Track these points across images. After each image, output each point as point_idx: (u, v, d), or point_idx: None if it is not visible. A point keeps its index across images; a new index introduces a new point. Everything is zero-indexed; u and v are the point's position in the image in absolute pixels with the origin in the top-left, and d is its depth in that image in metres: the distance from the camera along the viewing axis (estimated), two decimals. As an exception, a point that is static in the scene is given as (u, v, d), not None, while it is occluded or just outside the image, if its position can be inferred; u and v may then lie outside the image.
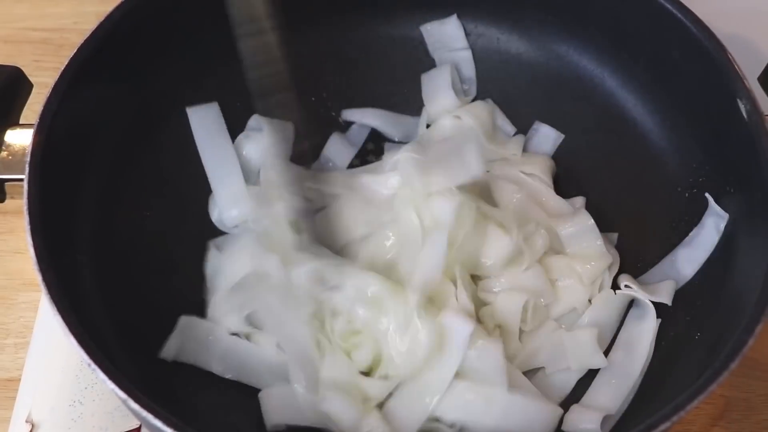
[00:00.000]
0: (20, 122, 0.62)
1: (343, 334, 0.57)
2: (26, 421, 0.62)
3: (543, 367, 0.59)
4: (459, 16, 0.72)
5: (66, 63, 0.57)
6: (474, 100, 0.72)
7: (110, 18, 0.59)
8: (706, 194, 0.61)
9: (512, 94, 0.72)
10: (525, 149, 0.70)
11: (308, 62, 0.70)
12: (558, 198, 0.67)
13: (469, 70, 0.72)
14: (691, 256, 0.61)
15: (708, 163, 0.62)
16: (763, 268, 0.51)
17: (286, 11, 0.63)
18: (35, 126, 0.54)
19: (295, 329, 0.57)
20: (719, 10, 0.63)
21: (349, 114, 0.72)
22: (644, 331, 0.59)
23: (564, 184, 0.69)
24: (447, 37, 0.72)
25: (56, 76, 0.56)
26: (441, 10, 0.72)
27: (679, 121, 0.64)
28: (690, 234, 0.61)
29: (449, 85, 0.70)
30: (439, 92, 0.71)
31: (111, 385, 0.46)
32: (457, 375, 0.54)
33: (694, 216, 0.62)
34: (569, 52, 0.70)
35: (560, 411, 0.56)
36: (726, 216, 0.59)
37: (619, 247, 0.65)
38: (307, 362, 0.56)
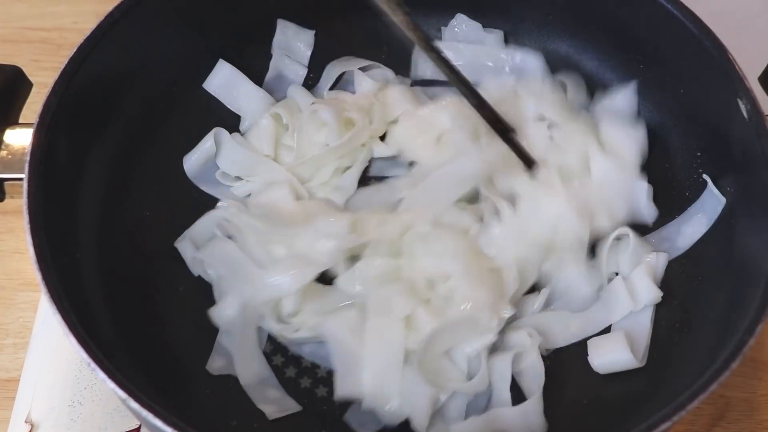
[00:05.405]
0: (20, 121, 0.62)
1: None
2: (26, 422, 0.62)
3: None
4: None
5: (65, 62, 0.57)
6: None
7: (109, 17, 0.59)
8: (705, 175, 0.61)
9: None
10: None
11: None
12: None
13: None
14: (686, 230, 0.62)
15: (708, 163, 0.62)
16: (763, 268, 0.51)
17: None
18: (35, 125, 0.54)
19: None
20: (719, 10, 0.63)
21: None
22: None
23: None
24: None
25: (56, 75, 0.56)
26: (442, 11, 0.72)
27: (679, 121, 0.64)
28: (688, 209, 0.62)
29: (250, 82, 0.68)
30: (246, 93, 0.69)
31: (111, 385, 0.46)
32: None
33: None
34: (569, 52, 0.70)
35: None
36: (723, 200, 0.59)
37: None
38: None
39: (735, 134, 0.58)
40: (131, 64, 0.63)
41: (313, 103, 0.67)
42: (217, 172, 0.66)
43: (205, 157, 0.66)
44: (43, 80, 0.59)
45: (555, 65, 0.70)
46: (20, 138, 0.60)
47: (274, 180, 0.65)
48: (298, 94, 0.69)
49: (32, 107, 0.59)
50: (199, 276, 0.63)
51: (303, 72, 0.71)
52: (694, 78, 0.61)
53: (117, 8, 0.60)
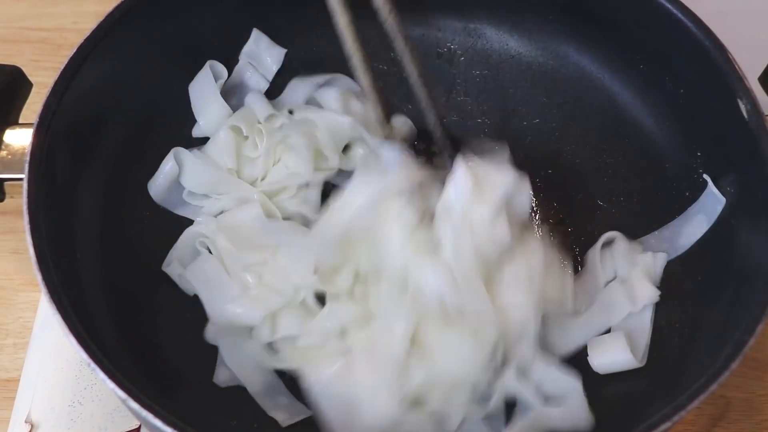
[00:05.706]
0: (20, 122, 0.62)
1: None
2: (25, 422, 0.62)
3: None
4: (459, 16, 0.72)
5: (65, 62, 0.57)
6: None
7: (110, 17, 0.59)
8: (705, 175, 0.61)
9: (512, 94, 0.72)
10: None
11: (301, 66, 0.71)
12: None
13: None
14: (686, 230, 0.61)
15: (708, 163, 0.62)
16: (763, 268, 0.51)
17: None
18: (35, 125, 0.54)
19: None
20: (719, 10, 0.63)
21: None
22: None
23: (563, 184, 0.69)
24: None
25: (55, 75, 0.56)
26: (439, 10, 0.72)
27: (679, 121, 0.64)
28: (688, 209, 0.62)
29: (217, 92, 0.66)
30: (208, 102, 0.66)
31: (111, 385, 0.46)
32: None
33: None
34: (569, 52, 0.70)
35: None
36: (723, 200, 0.59)
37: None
38: None
39: (735, 134, 0.57)
40: (131, 65, 0.62)
41: (283, 124, 0.66)
42: (184, 192, 0.65)
43: (169, 179, 0.64)
44: (43, 80, 0.59)
45: (555, 65, 0.71)
46: (20, 138, 0.61)
47: (244, 197, 0.64)
48: (256, 104, 0.67)
49: (32, 107, 0.59)
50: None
51: (264, 86, 0.70)
52: (694, 78, 0.61)
53: (117, 8, 0.60)
